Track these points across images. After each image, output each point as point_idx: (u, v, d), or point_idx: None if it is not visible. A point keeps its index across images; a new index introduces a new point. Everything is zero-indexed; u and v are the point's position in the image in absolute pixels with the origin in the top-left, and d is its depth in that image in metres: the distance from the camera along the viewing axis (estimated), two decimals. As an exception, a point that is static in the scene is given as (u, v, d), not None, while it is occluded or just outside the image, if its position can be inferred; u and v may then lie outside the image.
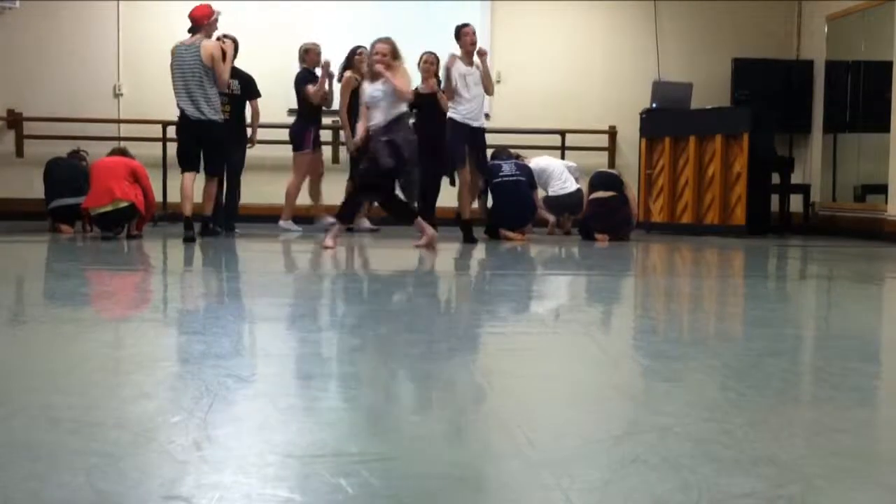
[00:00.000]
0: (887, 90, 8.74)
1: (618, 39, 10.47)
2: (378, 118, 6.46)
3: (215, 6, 7.53)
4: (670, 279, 5.40)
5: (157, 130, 9.45)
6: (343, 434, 1.76)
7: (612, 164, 10.28)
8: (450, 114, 7.59)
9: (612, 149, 10.41)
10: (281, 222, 8.60)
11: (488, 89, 7.73)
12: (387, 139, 6.39)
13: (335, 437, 1.74)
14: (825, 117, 10.19)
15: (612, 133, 10.41)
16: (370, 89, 6.53)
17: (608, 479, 1.49)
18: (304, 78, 8.55)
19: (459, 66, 7.51)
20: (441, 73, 7.75)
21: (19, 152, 9.78)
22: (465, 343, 2.86)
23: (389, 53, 6.49)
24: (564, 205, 8.80)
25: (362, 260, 6.29)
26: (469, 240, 7.36)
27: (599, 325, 3.41)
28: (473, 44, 7.56)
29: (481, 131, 7.75)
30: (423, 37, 9.18)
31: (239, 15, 9.13)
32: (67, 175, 7.80)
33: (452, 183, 7.95)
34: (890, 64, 8.73)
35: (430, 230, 6.60)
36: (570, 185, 8.74)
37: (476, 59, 7.59)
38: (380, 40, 6.58)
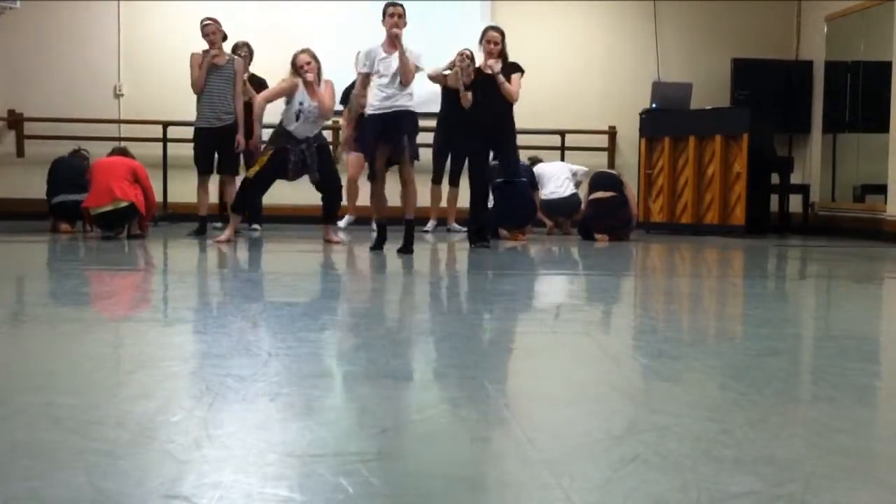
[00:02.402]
0: (886, 90, 8.75)
1: (618, 39, 10.48)
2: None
3: (206, 14, 7.79)
4: (670, 279, 5.40)
5: (157, 131, 9.45)
6: (343, 433, 1.76)
7: (611, 164, 10.29)
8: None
9: (611, 149, 10.42)
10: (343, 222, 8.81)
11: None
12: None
13: (335, 436, 1.74)
14: (824, 117, 10.20)
15: (611, 133, 10.41)
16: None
17: (608, 478, 1.49)
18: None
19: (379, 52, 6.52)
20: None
21: (20, 152, 9.78)
22: (465, 342, 2.86)
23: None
24: (556, 209, 8.81)
25: (361, 259, 6.29)
26: (380, 245, 6.58)
27: (599, 325, 3.42)
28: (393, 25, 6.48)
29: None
30: (423, 37, 9.19)
31: (239, 15, 9.13)
32: (70, 173, 7.81)
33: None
34: (889, 64, 8.74)
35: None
36: (565, 190, 8.73)
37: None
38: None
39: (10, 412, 1.87)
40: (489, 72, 6.99)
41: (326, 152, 7.16)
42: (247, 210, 7.10)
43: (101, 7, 9.79)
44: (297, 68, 6.83)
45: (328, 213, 7.18)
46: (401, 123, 6.45)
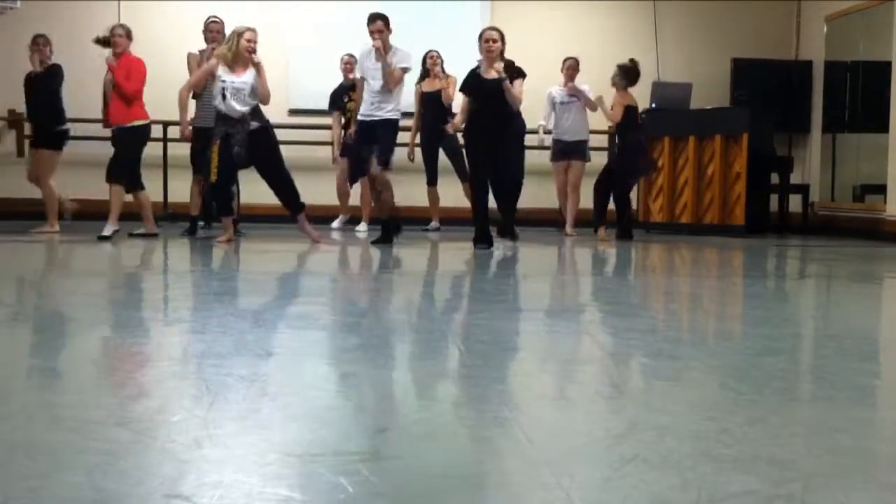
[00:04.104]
0: (886, 90, 8.75)
1: (618, 39, 10.47)
2: None
3: (207, 14, 7.75)
4: (670, 279, 5.41)
5: (157, 130, 9.43)
6: (343, 433, 1.77)
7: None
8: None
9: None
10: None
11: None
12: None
13: (335, 435, 1.74)
14: (824, 117, 10.20)
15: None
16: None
17: (608, 477, 1.49)
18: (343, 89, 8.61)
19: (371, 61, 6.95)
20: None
21: (20, 152, 9.77)
22: (464, 342, 2.87)
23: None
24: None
25: (355, 259, 6.30)
26: (384, 239, 6.92)
27: (599, 325, 3.42)
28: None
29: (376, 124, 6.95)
30: (422, 37, 9.19)
31: (240, 15, 9.13)
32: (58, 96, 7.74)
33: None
34: (889, 64, 8.74)
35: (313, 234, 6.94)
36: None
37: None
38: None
39: (10, 412, 1.87)
40: (494, 76, 6.73)
41: (265, 136, 6.78)
42: (228, 207, 6.98)
43: (101, 7, 9.78)
44: (237, 38, 6.69)
45: (289, 206, 6.89)
46: (375, 134, 6.86)
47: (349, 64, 8.57)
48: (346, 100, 8.53)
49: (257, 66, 6.67)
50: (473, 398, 2.10)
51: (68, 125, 7.74)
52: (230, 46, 6.70)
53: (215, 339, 2.73)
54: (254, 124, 6.70)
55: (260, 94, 6.72)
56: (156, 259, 6.19)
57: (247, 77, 6.68)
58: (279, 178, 6.86)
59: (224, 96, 6.66)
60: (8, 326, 3.10)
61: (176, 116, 8.96)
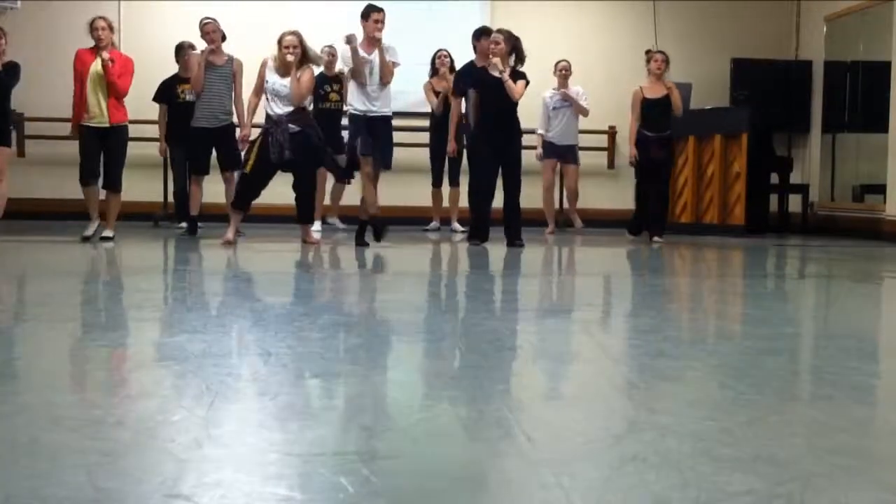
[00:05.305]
0: (885, 90, 8.75)
1: (617, 39, 10.48)
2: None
3: (206, 13, 7.73)
4: (670, 278, 5.41)
5: (158, 130, 9.44)
6: (343, 433, 1.77)
7: (611, 163, 10.29)
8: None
9: (611, 148, 10.41)
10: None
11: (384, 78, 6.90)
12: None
13: (335, 435, 1.74)
14: (824, 117, 10.20)
15: (611, 133, 10.40)
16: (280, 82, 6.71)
17: (608, 477, 1.50)
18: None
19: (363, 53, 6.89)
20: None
21: (21, 152, 9.75)
22: (464, 342, 2.87)
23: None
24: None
25: (351, 259, 6.30)
26: (362, 240, 6.72)
27: (599, 325, 3.42)
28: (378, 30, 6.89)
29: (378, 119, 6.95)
30: (422, 36, 9.20)
31: (241, 15, 9.15)
32: None
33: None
34: (888, 64, 8.74)
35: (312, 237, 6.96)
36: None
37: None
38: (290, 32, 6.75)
39: (12, 411, 1.87)
40: (496, 73, 6.86)
41: (304, 140, 6.71)
42: (247, 207, 6.98)
43: (101, 7, 9.75)
44: (281, 47, 6.74)
45: (303, 214, 6.95)
46: (379, 132, 6.80)
47: (332, 56, 8.45)
48: (327, 89, 8.39)
49: (289, 65, 6.65)
50: (473, 398, 2.10)
51: None
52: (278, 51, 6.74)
53: (215, 339, 2.73)
54: (293, 128, 6.65)
55: (293, 93, 6.67)
56: (156, 259, 6.19)
57: (289, 80, 6.69)
58: (307, 188, 6.90)
59: (267, 99, 6.71)
60: (9, 326, 3.10)
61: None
